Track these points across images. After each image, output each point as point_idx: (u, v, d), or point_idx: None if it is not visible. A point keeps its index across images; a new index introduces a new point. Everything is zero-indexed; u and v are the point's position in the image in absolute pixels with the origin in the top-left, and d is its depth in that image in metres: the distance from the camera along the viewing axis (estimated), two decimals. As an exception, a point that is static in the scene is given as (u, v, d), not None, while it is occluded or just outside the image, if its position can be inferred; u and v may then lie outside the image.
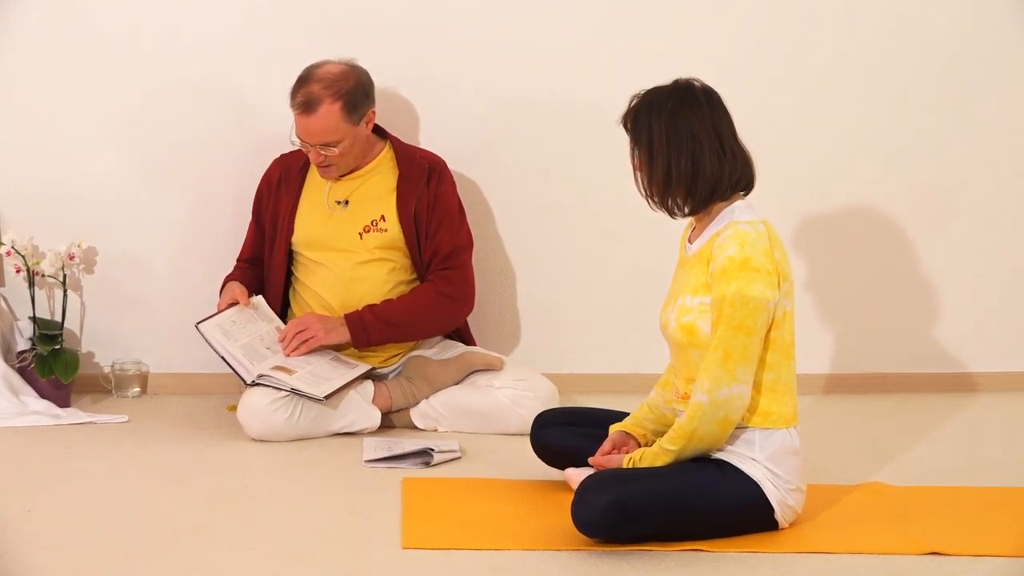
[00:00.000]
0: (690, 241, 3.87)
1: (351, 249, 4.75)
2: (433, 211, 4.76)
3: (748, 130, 3.86)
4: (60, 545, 3.68)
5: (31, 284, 4.99)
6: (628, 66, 5.05)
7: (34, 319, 5.00)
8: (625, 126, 3.82)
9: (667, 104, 3.76)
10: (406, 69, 5.06)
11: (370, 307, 4.70)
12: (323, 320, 4.69)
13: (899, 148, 5.25)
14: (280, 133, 4.89)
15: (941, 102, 5.24)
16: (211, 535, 3.77)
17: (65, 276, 5.00)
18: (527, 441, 4.37)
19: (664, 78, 3.87)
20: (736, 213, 3.76)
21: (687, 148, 3.73)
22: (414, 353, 4.82)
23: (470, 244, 4.84)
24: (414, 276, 4.81)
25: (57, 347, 4.93)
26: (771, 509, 3.75)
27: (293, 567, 3.57)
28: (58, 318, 5.02)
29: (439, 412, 4.72)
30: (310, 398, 4.53)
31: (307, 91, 4.62)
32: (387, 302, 4.72)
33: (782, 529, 3.80)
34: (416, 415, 4.74)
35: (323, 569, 3.55)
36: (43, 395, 4.88)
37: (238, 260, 4.95)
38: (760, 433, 3.75)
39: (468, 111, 5.10)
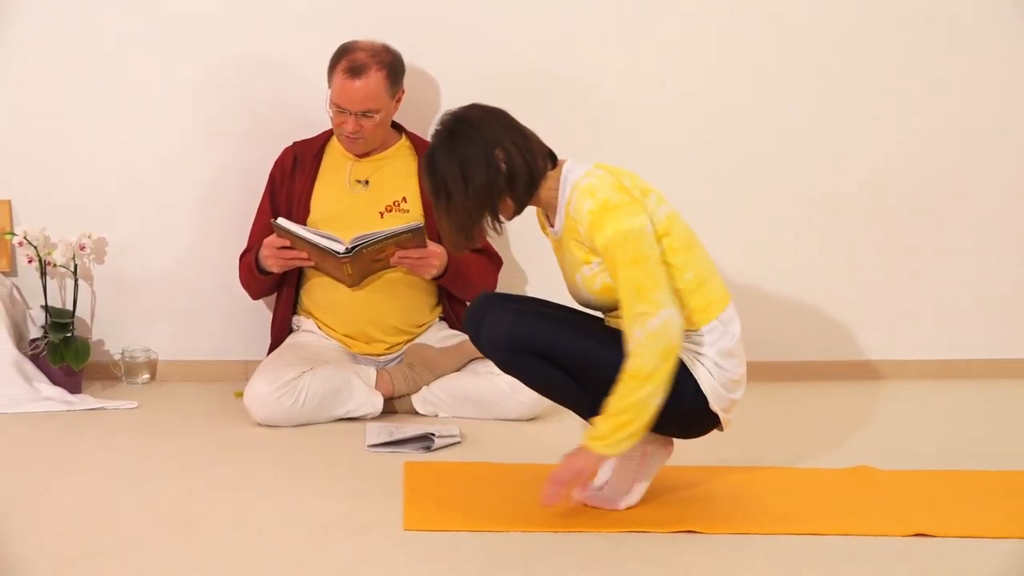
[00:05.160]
0: (551, 225, 3.84)
1: (370, 229, 4.68)
2: None
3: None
4: (70, 529, 3.69)
5: (43, 274, 5.00)
6: (620, 38, 5.18)
7: (46, 308, 5.01)
8: (428, 191, 3.76)
9: (445, 145, 3.71)
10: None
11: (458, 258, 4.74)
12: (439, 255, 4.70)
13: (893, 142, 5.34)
14: (287, 123, 4.97)
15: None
16: (217, 519, 3.78)
17: (76, 266, 5.02)
18: (526, 426, 4.49)
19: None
20: (569, 178, 3.76)
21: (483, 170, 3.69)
22: (416, 341, 4.86)
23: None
24: (427, 263, 4.84)
25: (68, 335, 4.94)
26: (705, 399, 3.78)
27: (297, 549, 3.57)
28: (69, 307, 5.04)
29: (440, 398, 4.74)
30: (413, 230, 4.55)
31: (354, 57, 4.68)
32: (465, 258, 4.74)
33: (725, 424, 3.85)
34: (417, 401, 4.76)
35: (326, 551, 3.56)
36: (55, 382, 4.89)
37: (247, 251, 4.90)
38: (707, 332, 3.78)
39: (462, 89, 4.96)
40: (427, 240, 4.67)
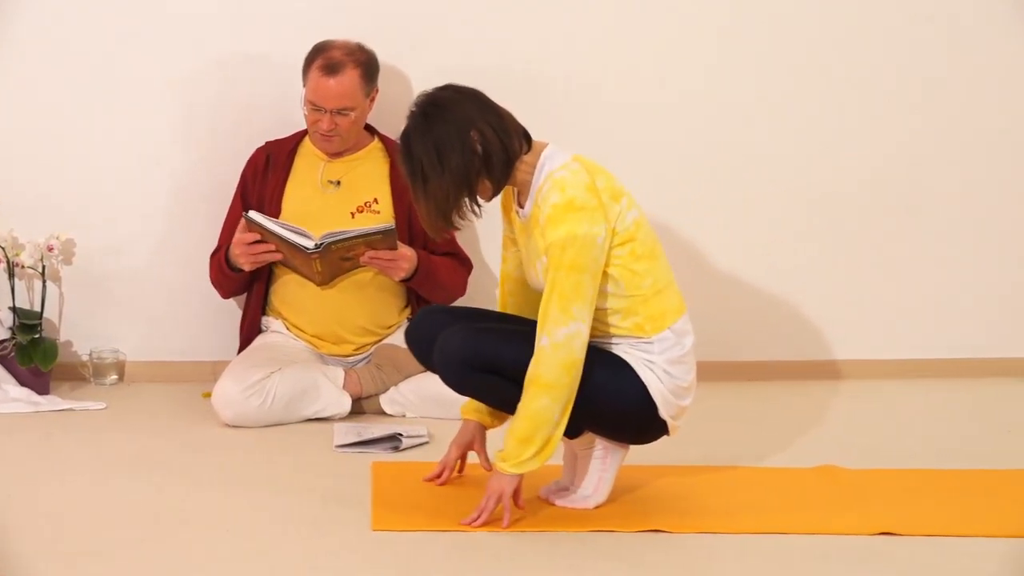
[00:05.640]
0: (521, 206, 3.83)
1: (340, 228, 4.70)
2: None
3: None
4: (40, 530, 3.71)
5: (11, 275, 5.01)
6: (610, 36, 5.19)
7: (14, 309, 5.01)
8: (404, 174, 3.75)
9: (419, 128, 3.70)
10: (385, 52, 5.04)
11: (428, 255, 4.76)
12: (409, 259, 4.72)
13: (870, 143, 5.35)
14: (255, 124, 4.98)
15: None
16: (186, 519, 3.81)
17: (44, 267, 5.01)
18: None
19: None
20: (547, 164, 3.74)
21: (459, 150, 3.68)
22: (384, 341, 4.87)
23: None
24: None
25: (36, 336, 4.95)
26: (653, 405, 3.81)
27: (266, 549, 3.60)
28: (37, 308, 5.03)
29: (408, 399, 4.76)
30: (384, 231, 4.58)
31: (329, 55, 4.72)
32: (434, 256, 4.78)
33: (672, 431, 3.88)
34: (385, 401, 4.78)
35: (295, 551, 3.58)
36: (23, 383, 4.91)
37: (218, 250, 4.89)
38: (658, 341, 3.78)
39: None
40: (398, 243, 4.69)
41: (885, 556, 3.64)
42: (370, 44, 4.87)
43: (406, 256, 4.71)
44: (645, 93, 5.23)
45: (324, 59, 4.72)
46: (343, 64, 4.71)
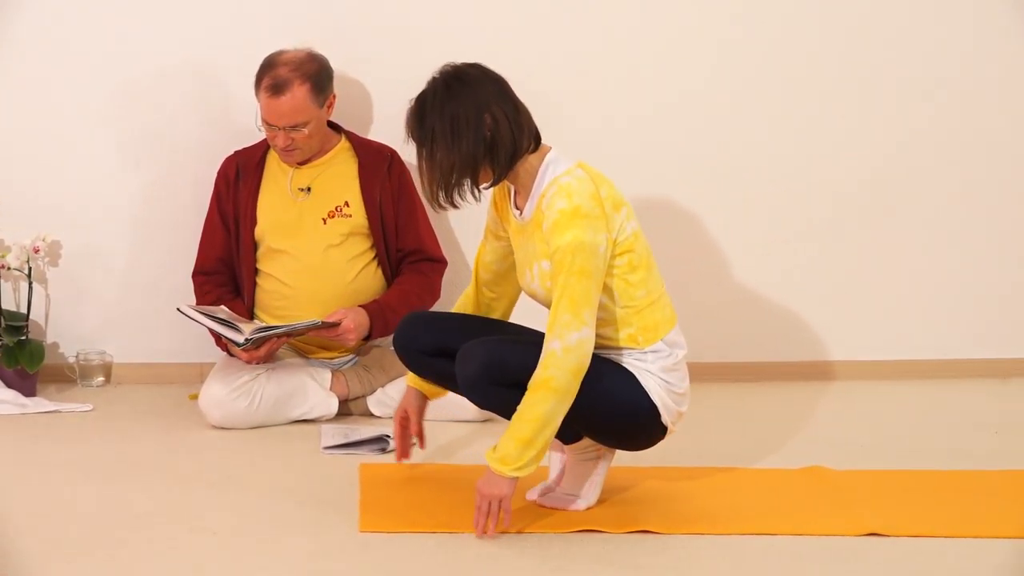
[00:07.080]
0: (518, 207, 3.83)
1: (315, 235, 4.78)
2: (400, 202, 4.82)
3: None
4: (25, 530, 3.72)
5: None
6: (598, 49, 5.20)
7: (0, 311, 5.02)
8: (411, 135, 3.76)
9: (439, 98, 3.70)
10: (364, 60, 5.08)
11: (383, 302, 4.76)
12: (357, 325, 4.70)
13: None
14: (237, 125, 4.97)
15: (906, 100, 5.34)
16: (173, 520, 3.82)
17: (30, 269, 5.02)
18: (480, 427, 4.50)
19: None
20: (551, 169, 3.74)
21: (472, 129, 3.68)
22: (370, 343, 4.86)
23: (433, 235, 4.93)
24: (376, 262, 4.86)
25: (23, 338, 4.96)
26: (656, 411, 3.81)
27: (253, 551, 3.62)
28: (24, 310, 5.04)
29: (395, 400, 4.71)
30: (310, 327, 4.58)
31: (275, 74, 4.69)
32: (390, 296, 4.79)
33: (670, 432, 3.88)
34: (372, 403, 4.79)
35: (282, 552, 3.61)
36: (9, 385, 4.91)
37: (203, 274, 4.92)
38: (651, 351, 3.80)
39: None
40: (344, 313, 4.67)
41: (872, 557, 3.66)
42: (349, 44, 4.92)
43: (350, 329, 4.67)
44: (645, 93, 5.23)
45: (270, 79, 4.69)
46: (289, 82, 4.67)
